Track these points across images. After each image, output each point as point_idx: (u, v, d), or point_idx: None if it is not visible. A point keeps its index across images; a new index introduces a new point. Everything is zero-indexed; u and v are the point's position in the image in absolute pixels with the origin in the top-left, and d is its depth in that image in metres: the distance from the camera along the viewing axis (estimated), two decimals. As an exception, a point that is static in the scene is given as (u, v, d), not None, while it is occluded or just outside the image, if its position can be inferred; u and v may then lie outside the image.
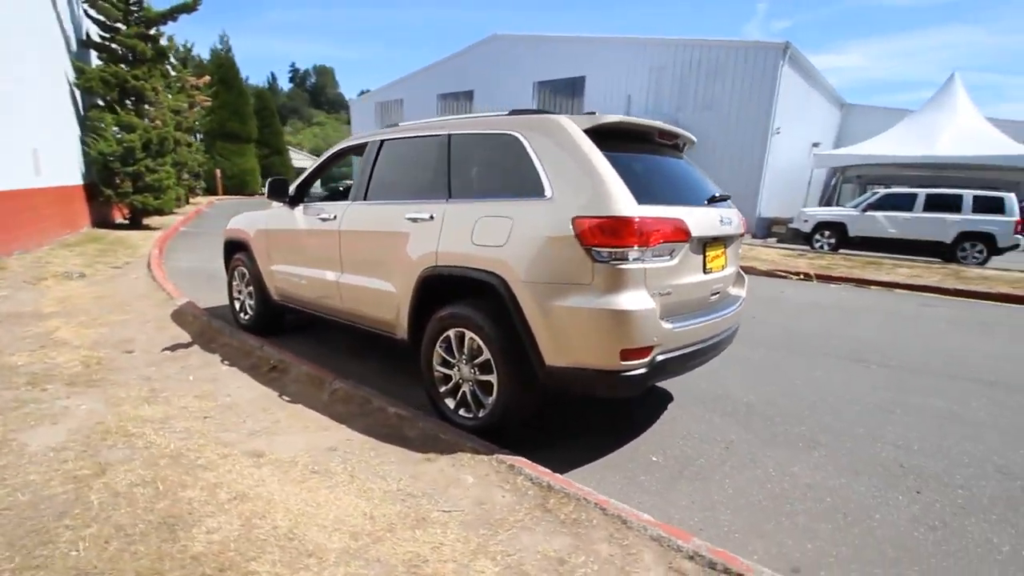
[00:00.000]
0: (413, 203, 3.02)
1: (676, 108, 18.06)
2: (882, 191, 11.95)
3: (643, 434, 2.94)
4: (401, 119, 28.36)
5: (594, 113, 2.60)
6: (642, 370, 2.33)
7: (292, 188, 3.96)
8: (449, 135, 2.98)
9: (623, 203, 2.26)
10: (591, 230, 2.26)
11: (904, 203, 11.37)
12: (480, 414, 2.72)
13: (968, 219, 10.66)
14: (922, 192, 11.35)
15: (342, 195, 4.82)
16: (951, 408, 3.45)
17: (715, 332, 2.73)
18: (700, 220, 2.61)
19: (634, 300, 2.27)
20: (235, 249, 4.72)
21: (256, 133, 30.39)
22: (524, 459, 2.41)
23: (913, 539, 2.11)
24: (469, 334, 2.69)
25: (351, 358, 4.08)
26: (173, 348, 4.07)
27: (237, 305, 4.76)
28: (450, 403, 2.86)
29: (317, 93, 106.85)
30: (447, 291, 2.84)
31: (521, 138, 2.62)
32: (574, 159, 2.42)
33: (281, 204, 4.09)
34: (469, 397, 2.77)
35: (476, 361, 2.70)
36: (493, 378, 2.61)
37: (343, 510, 2.02)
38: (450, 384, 2.86)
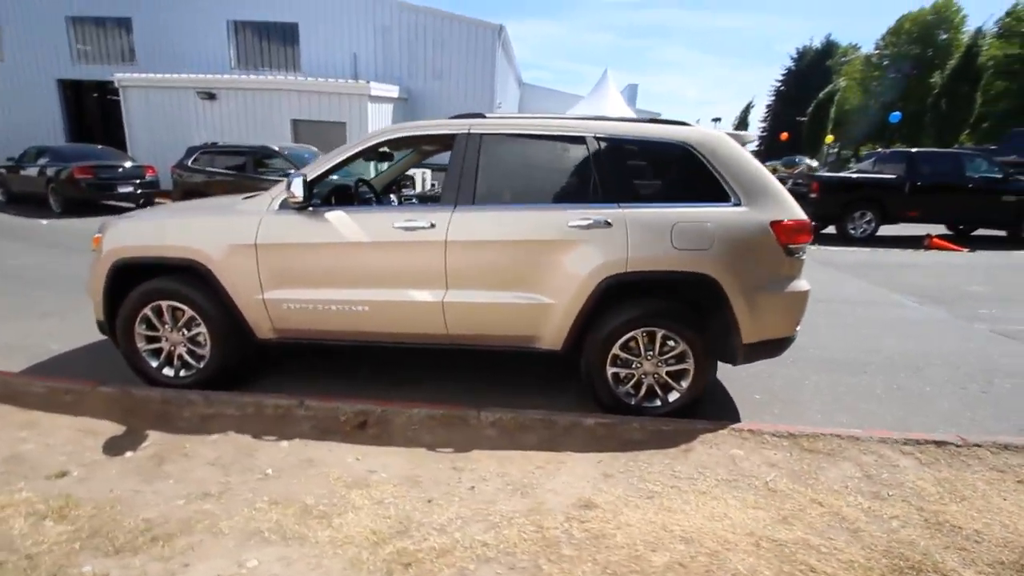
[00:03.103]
0: (571, 208, 2.89)
1: (408, 75, 18.17)
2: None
3: (726, 384, 3.74)
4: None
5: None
6: (797, 333, 3.12)
7: (306, 185, 2.94)
8: (596, 137, 2.94)
9: (799, 209, 2.93)
10: (786, 232, 2.85)
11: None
12: (671, 399, 3.02)
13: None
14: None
15: (352, 197, 3.72)
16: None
17: None
18: None
19: (807, 282, 3.01)
20: (141, 276, 3.14)
21: None
22: (744, 422, 2.93)
23: (897, 395, 3.63)
24: (661, 331, 2.91)
25: (382, 385, 3.47)
26: (133, 446, 2.65)
27: (154, 362, 3.23)
28: (631, 400, 3.03)
29: None
30: (621, 296, 2.93)
31: (693, 149, 2.91)
32: (750, 171, 2.91)
33: (279, 207, 3.02)
34: (658, 388, 3.02)
35: (665, 355, 2.96)
36: (689, 364, 2.95)
37: (756, 519, 2.17)
38: (631, 381, 3.02)
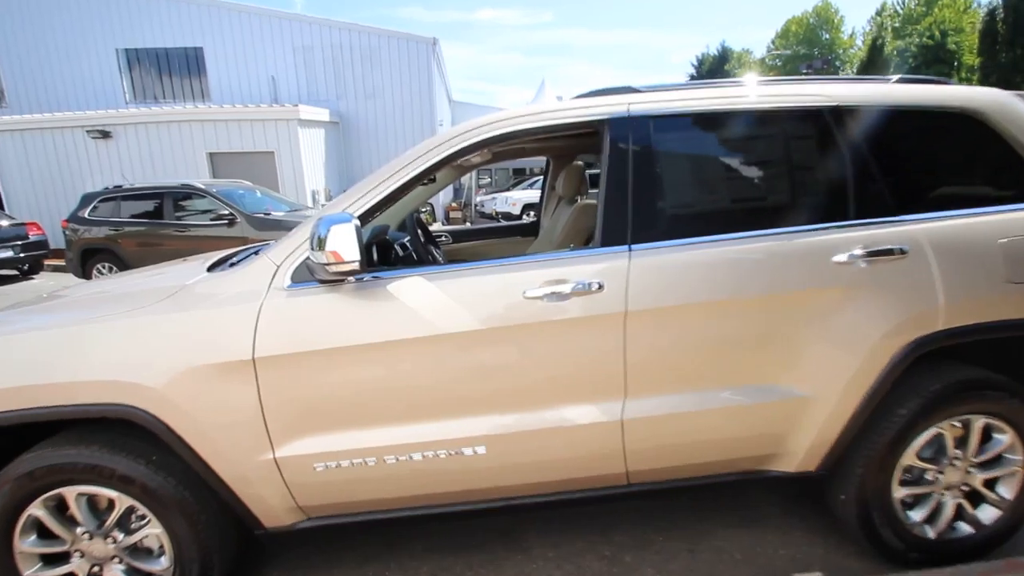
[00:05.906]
0: (828, 232, 1.69)
1: (337, 96, 16.48)
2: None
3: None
4: None
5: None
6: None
7: (358, 236, 1.53)
8: (838, 108, 1.76)
9: None
10: None
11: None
12: (985, 519, 1.86)
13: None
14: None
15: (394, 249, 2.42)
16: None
17: None
18: None
19: None
20: (12, 439, 1.59)
21: None
22: None
23: None
24: (982, 419, 1.76)
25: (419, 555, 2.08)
26: None
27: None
28: (929, 533, 1.84)
29: None
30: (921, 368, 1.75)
31: (984, 118, 1.80)
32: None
33: (290, 282, 1.59)
34: (966, 504, 1.85)
35: (982, 454, 1.81)
36: (1018, 463, 1.81)
37: None
38: (926, 503, 1.84)
